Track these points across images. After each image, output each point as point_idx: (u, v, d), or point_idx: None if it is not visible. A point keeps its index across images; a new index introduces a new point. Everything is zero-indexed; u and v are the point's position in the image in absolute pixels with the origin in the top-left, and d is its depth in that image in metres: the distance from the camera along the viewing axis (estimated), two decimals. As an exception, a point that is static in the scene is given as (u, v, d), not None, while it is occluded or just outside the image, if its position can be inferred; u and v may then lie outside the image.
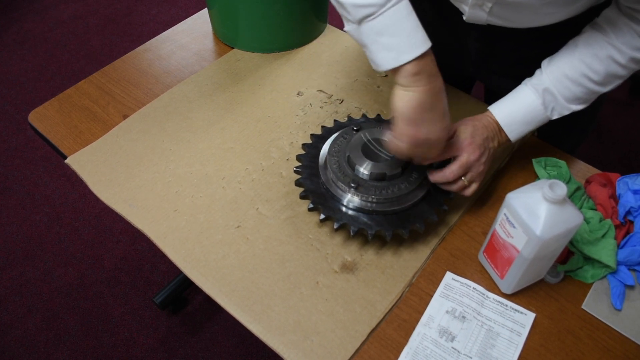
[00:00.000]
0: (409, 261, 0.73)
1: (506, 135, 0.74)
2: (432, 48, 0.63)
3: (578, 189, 0.79)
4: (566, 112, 0.73)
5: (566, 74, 0.70)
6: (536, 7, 0.68)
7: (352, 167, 0.72)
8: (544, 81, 0.71)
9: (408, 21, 0.62)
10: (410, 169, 0.73)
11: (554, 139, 0.90)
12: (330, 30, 1.11)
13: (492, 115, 0.74)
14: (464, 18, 0.76)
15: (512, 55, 0.84)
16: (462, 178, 0.72)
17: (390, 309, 0.69)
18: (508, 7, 0.71)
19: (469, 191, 0.73)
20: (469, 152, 0.71)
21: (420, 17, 0.69)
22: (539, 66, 0.74)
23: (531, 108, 0.72)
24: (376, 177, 0.71)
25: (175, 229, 0.77)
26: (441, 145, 0.68)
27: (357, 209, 0.71)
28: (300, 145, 0.86)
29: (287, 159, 0.85)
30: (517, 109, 0.73)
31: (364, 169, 0.71)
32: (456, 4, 0.78)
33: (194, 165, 0.85)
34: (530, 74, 0.75)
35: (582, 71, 0.69)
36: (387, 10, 0.61)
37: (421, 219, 0.71)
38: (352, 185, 0.71)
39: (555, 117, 0.73)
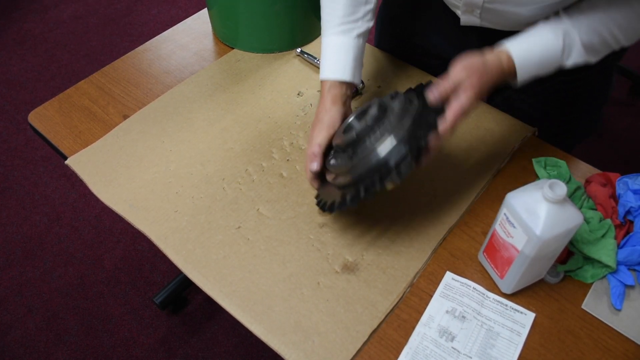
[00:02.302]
0: (409, 261, 0.73)
1: (511, 78, 0.70)
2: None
3: (578, 188, 0.79)
4: (581, 61, 0.69)
5: (588, 20, 0.67)
6: (521, 13, 0.71)
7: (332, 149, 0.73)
8: (565, 24, 0.68)
9: (330, 52, 0.78)
10: (378, 124, 0.67)
11: (553, 134, 0.90)
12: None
13: (508, 57, 0.68)
14: (461, 23, 0.81)
15: None
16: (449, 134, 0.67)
17: (392, 310, 0.69)
18: (496, 13, 0.74)
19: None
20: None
21: (425, 15, 0.83)
22: None
23: (550, 50, 0.68)
24: (345, 146, 0.69)
25: (175, 229, 0.77)
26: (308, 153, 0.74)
27: (342, 186, 0.70)
28: (301, 146, 0.86)
29: (288, 160, 0.85)
30: (535, 49, 0.69)
31: (335, 142, 0.71)
32: (453, 9, 0.82)
33: (194, 166, 0.85)
34: None
35: (604, 20, 0.67)
36: (322, 39, 0.80)
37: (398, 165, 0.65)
38: (331, 163, 0.71)
39: (569, 64, 0.70)
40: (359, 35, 0.79)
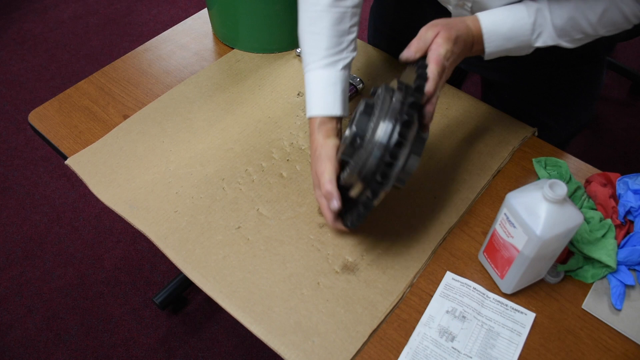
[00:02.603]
0: (409, 262, 0.73)
1: (480, 49, 0.70)
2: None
3: (578, 188, 0.79)
4: (551, 43, 0.69)
5: (563, 3, 0.67)
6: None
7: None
8: (540, 4, 0.68)
9: (316, 87, 0.76)
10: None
11: (547, 127, 0.91)
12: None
13: (476, 23, 0.69)
14: (452, 17, 0.79)
15: None
16: (439, 90, 0.66)
17: (392, 310, 0.69)
18: (486, 5, 0.73)
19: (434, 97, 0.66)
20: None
21: (416, 12, 0.80)
22: (528, 59, 0.74)
23: (520, 24, 0.68)
24: (348, 153, 0.66)
25: (175, 229, 0.77)
26: (316, 186, 0.71)
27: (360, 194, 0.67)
28: (301, 147, 0.86)
29: (288, 160, 0.85)
30: (505, 20, 0.68)
31: (339, 155, 0.68)
32: (444, 4, 0.81)
33: (194, 166, 0.84)
34: (520, 66, 0.75)
35: (580, 5, 0.67)
36: (306, 73, 0.77)
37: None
38: (344, 177, 0.68)
39: (538, 44, 0.69)
40: (344, 67, 0.76)
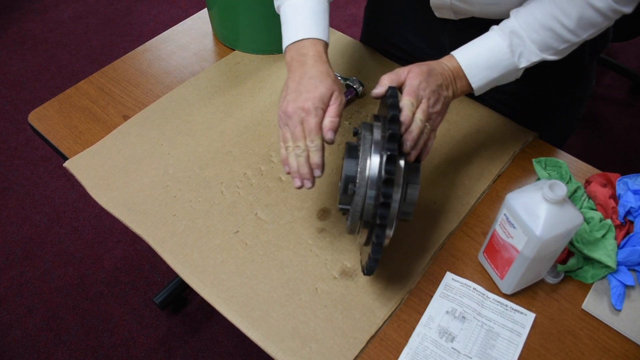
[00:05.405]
0: (408, 267, 0.73)
1: (466, 83, 0.69)
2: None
3: (578, 189, 0.79)
4: (536, 59, 0.67)
5: (536, 16, 0.66)
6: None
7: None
8: (512, 23, 0.67)
9: (303, 12, 0.69)
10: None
11: (538, 131, 0.90)
12: (330, 32, 1.10)
13: (452, 60, 0.68)
14: (430, 3, 0.79)
15: None
16: (420, 119, 0.63)
17: (390, 316, 0.68)
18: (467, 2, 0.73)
19: (429, 143, 0.66)
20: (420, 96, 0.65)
21: (397, 18, 0.83)
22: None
23: (496, 50, 0.67)
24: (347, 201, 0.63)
25: (173, 233, 0.76)
26: (311, 113, 0.63)
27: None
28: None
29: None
30: (481, 52, 0.68)
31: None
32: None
33: (192, 170, 0.84)
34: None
35: (554, 14, 0.65)
36: (285, 2, 0.71)
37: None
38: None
39: (523, 64, 0.68)
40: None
